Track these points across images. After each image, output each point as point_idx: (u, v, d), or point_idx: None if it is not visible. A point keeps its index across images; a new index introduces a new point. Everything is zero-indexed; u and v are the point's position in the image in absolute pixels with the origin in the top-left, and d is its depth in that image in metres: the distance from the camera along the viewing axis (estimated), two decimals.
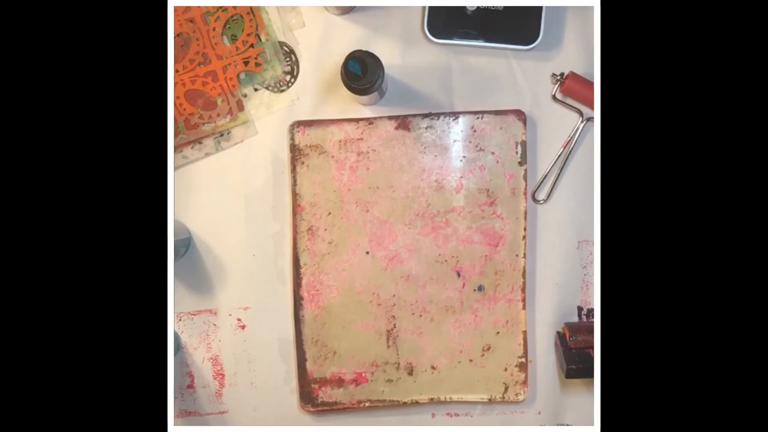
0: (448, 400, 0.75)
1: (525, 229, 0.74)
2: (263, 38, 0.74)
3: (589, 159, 0.74)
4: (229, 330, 0.76)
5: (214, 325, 0.76)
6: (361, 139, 0.74)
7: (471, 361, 0.75)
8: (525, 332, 0.74)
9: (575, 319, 0.76)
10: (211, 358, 0.76)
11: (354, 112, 0.74)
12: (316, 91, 0.75)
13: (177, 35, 0.73)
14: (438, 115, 0.74)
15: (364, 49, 0.66)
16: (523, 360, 0.74)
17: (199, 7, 0.73)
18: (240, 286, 0.75)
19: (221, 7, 0.73)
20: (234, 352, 0.76)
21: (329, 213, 0.74)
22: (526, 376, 0.74)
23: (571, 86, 0.72)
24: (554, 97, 0.74)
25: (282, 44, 0.74)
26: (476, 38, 0.72)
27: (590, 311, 0.76)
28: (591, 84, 0.72)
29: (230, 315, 0.76)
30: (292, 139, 0.74)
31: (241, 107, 0.74)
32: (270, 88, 0.75)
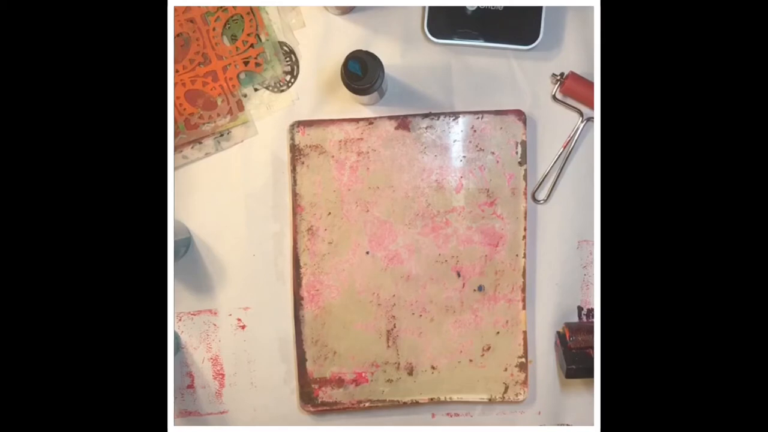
0: (448, 400, 0.75)
1: (525, 229, 0.74)
2: (263, 38, 0.74)
3: (589, 159, 0.74)
4: (229, 330, 0.76)
5: (214, 325, 0.76)
6: (361, 139, 0.74)
7: (471, 361, 0.75)
8: (525, 332, 0.74)
9: (575, 319, 0.76)
10: (211, 358, 0.76)
11: (354, 112, 0.74)
12: (316, 91, 0.75)
13: (177, 35, 0.73)
14: (438, 115, 0.74)
15: (364, 49, 0.66)
16: (523, 360, 0.74)
17: (199, 7, 0.73)
18: (240, 286, 0.75)
19: (221, 7, 0.73)
20: (234, 352, 0.76)
21: (329, 213, 0.74)
22: (526, 376, 0.74)
23: (571, 86, 0.72)
24: (554, 97, 0.74)
25: (282, 44, 0.74)
26: (476, 38, 0.72)
27: (590, 311, 0.76)
28: (591, 84, 0.72)
29: (230, 315, 0.76)
30: (292, 139, 0.74)
31: (241, 107, 0.74)
32: (270, 88, 0.75)
